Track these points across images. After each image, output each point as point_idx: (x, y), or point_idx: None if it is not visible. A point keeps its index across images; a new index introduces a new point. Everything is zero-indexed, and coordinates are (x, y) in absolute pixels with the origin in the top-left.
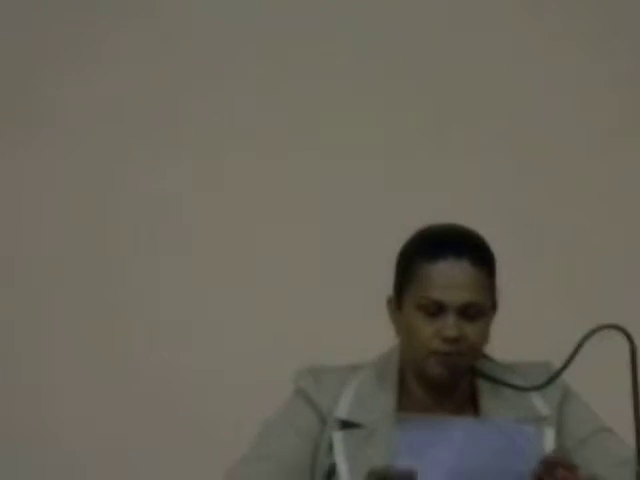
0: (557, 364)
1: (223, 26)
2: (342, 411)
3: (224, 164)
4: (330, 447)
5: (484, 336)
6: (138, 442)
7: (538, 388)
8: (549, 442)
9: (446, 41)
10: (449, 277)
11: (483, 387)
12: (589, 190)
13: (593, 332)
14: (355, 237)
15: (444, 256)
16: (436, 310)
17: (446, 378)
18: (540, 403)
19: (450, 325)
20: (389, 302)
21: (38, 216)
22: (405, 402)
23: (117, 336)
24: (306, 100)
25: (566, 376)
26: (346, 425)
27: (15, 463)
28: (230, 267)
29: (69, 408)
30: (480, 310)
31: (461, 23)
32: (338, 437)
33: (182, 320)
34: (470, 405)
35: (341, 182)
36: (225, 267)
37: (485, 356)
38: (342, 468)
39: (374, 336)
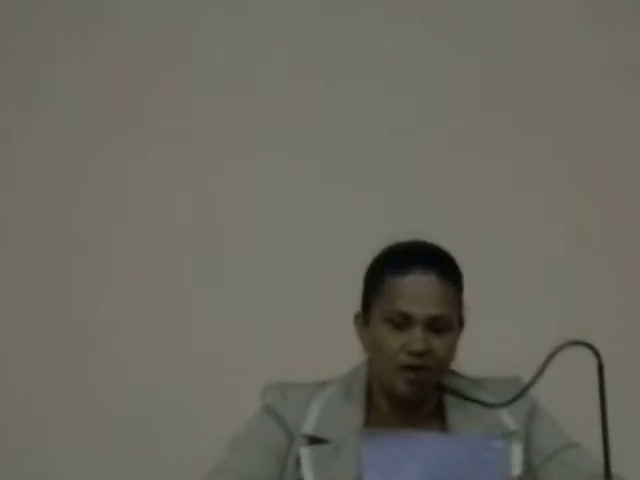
0: (527, 378)
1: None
2: (309, 427)
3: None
4: (297, 463)
5: (451, 351)
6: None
7: (505, 404)
8: (517, 457)
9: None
10: (417, 290)
11: (450, 402)
12: None
13: (560, 348)
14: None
15: (412, 270)
16: (403, 323)
17: (413, 395)
18: (508, 418)
19: (417, 338)
20: (357, 318)
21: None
22: (372, 418)
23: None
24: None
25: (534, 391)
26: (313, 441)
27: None
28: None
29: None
30: (447, 324)
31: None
32: (305, 453)
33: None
34: (438, 420)
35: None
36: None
37: (453, 371)
38: None
39: (342, 353)
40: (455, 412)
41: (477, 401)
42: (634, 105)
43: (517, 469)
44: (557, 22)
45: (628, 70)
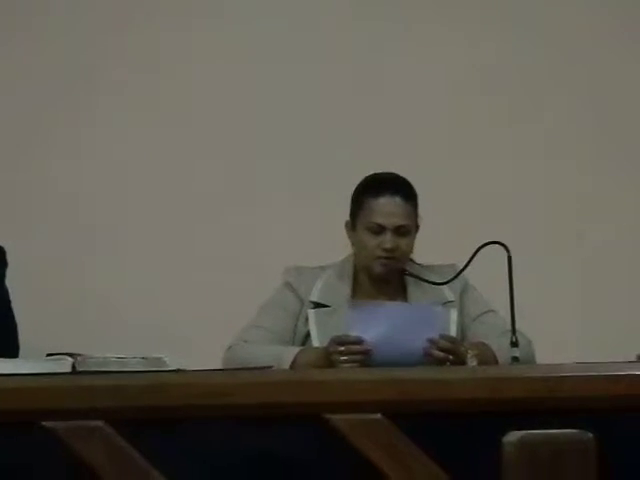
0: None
1: None
2: (314, 296)
3: None
4: (306, 320)
5: (410, 247)
6: None
7: (446, 282)
8: (453, 318)
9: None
10: (388, 208)
11: (410, 281)
12: None
13: (486, 244)
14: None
15: (384, 193)
16: (379, 230)
17: (385, 275)
18: (448, 292)
19: (388, 240)
20: (346, 225)
21: None
22: (357, 291)
23: None
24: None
25: (467, 274)
26: (317, 305)
27: None
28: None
29: None
30: (408, 230)
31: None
32: (311, 313)
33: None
34: (401, 293)
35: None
36: None
37: (412, 260)
38: (314, 334)
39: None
40: (413, 288)
41: (427, 280)
42: None
43: (453, 327)
44: None
45: None
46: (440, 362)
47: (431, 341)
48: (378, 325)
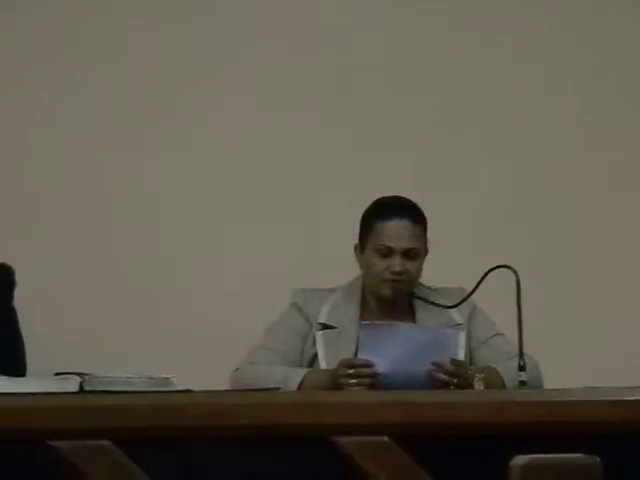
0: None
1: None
2: (322, 317)
3: None
4: (314, 342)
5: (419, 270)
6: None
7: (455, 306)
8: (462, 341)
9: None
10: (397, 231)
11: (418, 304)
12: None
13: (494, 267)
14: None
15: (393, 216)
16: (388, 253)
17: (393, 297)
18: (456, 315)
19: (397, 263)
20: (355, 248)
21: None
22: (365, 313)
23: None
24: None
25: (475, 297)
26: (325, 327)
27: None
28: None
29: None
30: (417, 253)
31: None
32: (319, 335)
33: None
34: (410, 316)
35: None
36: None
37: (420, 283)
38: (321, 356)
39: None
40: (421, 311)
41: (436, 303)
42: None
43: (462, 349)
44: None
45: None
46: (444, 385)
47: (436, 364)
48: (390, 347)
